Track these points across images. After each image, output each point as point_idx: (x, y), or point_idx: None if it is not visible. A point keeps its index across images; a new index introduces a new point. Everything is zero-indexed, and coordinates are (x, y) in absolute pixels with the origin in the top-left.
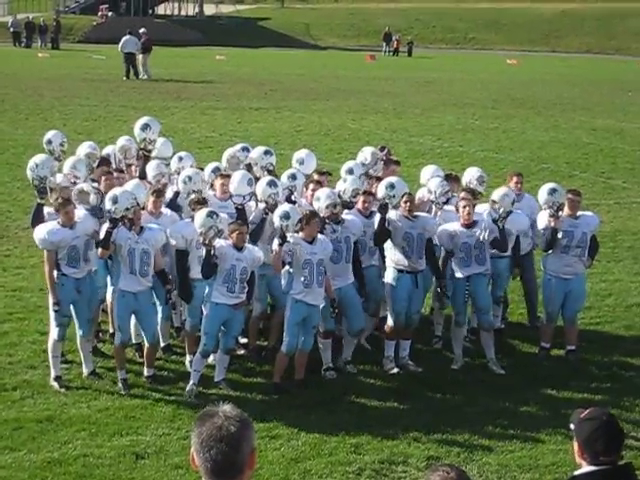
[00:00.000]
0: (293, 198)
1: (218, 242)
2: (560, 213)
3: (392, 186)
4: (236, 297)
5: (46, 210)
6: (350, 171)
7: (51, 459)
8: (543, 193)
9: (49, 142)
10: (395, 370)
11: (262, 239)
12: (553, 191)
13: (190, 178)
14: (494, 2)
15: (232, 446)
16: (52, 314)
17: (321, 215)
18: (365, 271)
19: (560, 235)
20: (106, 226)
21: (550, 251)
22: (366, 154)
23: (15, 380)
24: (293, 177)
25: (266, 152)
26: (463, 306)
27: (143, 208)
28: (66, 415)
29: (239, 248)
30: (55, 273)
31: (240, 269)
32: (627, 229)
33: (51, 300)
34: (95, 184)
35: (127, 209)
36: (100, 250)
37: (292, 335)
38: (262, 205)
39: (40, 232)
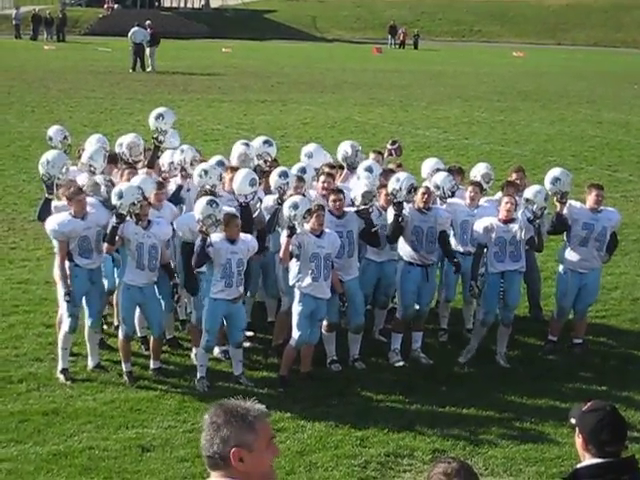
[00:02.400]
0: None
1: (212, 237)
2: (568, 201)
3: (397, 180)
4: (235, 291)
5: (53, 204)
6: (369, 169)
7: (57, 451)
8: (547, 182)
9: (50, 139)
10: (401, 363)
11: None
12: (556, 180)
13: (206, 172)
14: None
15: (206, 437)
16: (64, 305)
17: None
18: (385, 265)
19: (580, 227)
20: (112, 221)
21: (568, 244)
22: (346, 148)
23: (21, 373)
24: (302, 171)
25: (265, 142)
26: (495, 305)
27: (149, 203)
28: (72, 408)
29: (232, 241)
30: (68, 264)
31: (236, 262)
32: (633, 222)
33: (62, 290)
34: (108, 177)
35: (133, 204)
36: (106, 245)
37: (302, 328)
38: (275, 196)
39: (51, 223)
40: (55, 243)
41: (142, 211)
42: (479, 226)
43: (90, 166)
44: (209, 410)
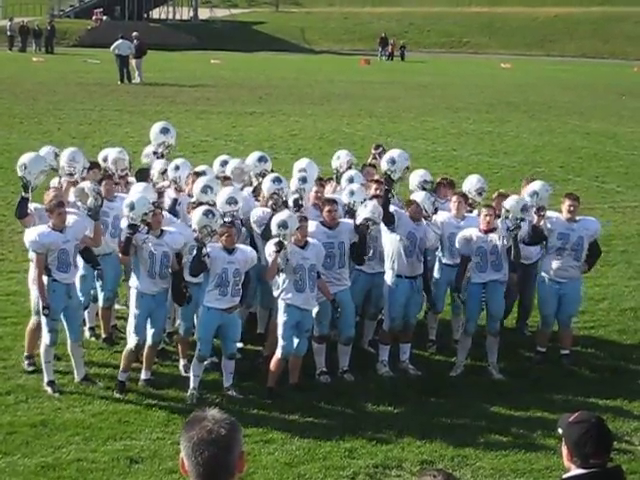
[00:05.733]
0: (301, 202)
1: (208, 246)
2: (543, 213)
3: (393, 161)
4: (229, 300)
5: (32, 205)
6: (351, 180)
7: (45, 464)
8: (526, 194)
9: (52, 157)
10: (389, 374)
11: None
12: (534, 194)
13: (211, 189)
14: (489, 6)
15: (223, 449)
16: (43, 319)
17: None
18: (376, 276)
19: (555, 237)
20: (126, 232)
21: (546, 254)
22: (341, 162)
23: (9, 384)
24: (303, 180)
25: (260, 159)
26: (476, 314)
27: (161, 209)
28: (60, 420)
29: (229, 250)
30: (46, 279)
31: (232, 271)
32: (621, 233)
33: (40, 304)
34: (97, 186)
35: (145, 214)
36: (121, 256)
37: (287, 339)
38: (264, 209)
39: (31, 234)
40: (32, 255)
41: (155, 219)
42: (460, 238)
43: (70, 168)
44: (205, 426)
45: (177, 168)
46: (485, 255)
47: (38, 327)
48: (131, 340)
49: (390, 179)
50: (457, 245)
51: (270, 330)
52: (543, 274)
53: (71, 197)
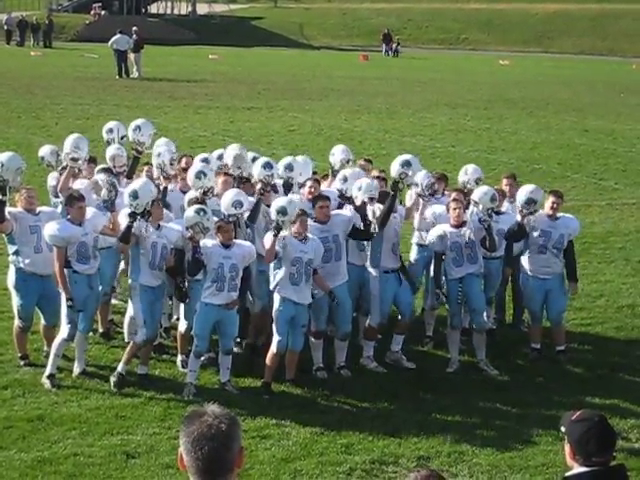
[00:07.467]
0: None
1: (204, 241)
2: (533, 216)
3: (408, 164)
4: (226, 296)
5: (7, 210)
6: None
7: (42, 458)
8: (521, 199)
9: (42, 159)
10: (378, 368)
11: (258, 233)
12: (530, 202)
13: (205, 174)
14: (487, 2)
15: (223, 444)
16: (64, 311)
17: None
18: (367, 270)
19: (537, 234)
20: (126, 220)
21: (527, 252)
22: (336, 159)
23: (6, 379)
24: (290, 168)
25: (265, 165)
26: (458, 307)
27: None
28: (57, 414)
29: (226, 246)
30: (66, 271)
31: (229, 267)
32: (619, 230)
33: (64, 297)
34: (111, 178)
35: (148, 203)
36: (120, 244)
37: (282, 333)
38: (257, 187)
39: (50, 228)
40: (12, 258)
41: (155, 212)
42: (433, 235)
43: (74, 154)
44: (204, 421)
45: (159, 155)
46: (460, 249)
47: (23, 329)
48: (140, 334)
49: (397, 185)
50: (430, 242)
51: (252, 321)
52: (526, 273)
53: (77, 185)
